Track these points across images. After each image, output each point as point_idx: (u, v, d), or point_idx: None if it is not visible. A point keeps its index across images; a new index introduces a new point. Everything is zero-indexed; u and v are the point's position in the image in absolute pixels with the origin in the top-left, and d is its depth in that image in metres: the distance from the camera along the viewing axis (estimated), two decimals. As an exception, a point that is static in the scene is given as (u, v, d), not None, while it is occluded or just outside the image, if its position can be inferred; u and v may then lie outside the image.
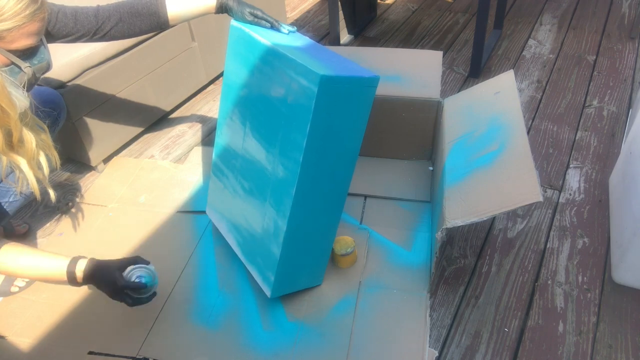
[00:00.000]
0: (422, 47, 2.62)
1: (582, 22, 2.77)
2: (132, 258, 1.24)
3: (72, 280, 1.16)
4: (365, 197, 1.71)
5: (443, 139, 1.56)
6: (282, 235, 1.24)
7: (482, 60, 2.33)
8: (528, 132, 1.98)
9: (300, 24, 2.93)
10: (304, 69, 1.12)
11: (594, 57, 2.46)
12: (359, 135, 1.25)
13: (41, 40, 1.12)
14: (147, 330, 1.34)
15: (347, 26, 2.74)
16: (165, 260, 1.50)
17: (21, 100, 1.07)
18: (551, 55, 2.49)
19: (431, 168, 1.80)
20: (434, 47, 2.62)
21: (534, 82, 2.30)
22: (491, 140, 1.40)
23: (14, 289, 1.45)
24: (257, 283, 1.38)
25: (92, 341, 1.32)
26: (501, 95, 1.53)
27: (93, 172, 1.91)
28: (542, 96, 2.21)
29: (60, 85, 1.67)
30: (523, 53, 2.52)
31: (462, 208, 1.26)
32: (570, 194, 1.71)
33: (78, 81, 1.72)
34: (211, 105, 2.25)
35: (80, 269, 1.17)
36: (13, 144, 1.06)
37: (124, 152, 2.01)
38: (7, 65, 1.06)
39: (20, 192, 1.19)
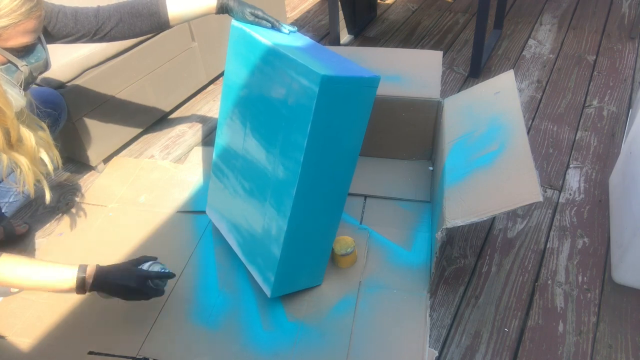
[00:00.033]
0: (422, 47, 2.62)
1: (582, 22, 2.77)
2: (139, 257, 1.28)
3: (80, 286, 1.15)
4: (365, 197, 1.71)
5: (443, 139, 1.56)
6: (283, 235, 1.24)
7: (482, 60, 2.33)
8: (528, 132, 1.98)
9: (300, 24, 2.93)
10: (305, 69, 1.12)
11: (594, 57, 2.46)
12: (359, 136, 1.25)
13: (39, 39, 1.12)
14: (147, 330, 1.34)
15: (347, 26, 2.74)
16: (165, 260, 1.49)
17: (17, 99, 1.06)
18: (551, 55, 2.49)
19: (431, 168, 1.80)
20: (434, 47, 2.62)
21: (534, 82, 2.30)
22: (491, 140, 1.40)
23: (14, 289, 1.45)
24: (257, 283, 1.38)
25: (92, 341, 1.32)
26: (501, 95, 1.53)
27: (93, 172, 1.91)
28: (542, 96, 2.21)
29: (60, 85, 1.67)
30: (523, 53, 2.52)
31: (462, 208, 1.26)
32: (570, 194, 1.71)
33: (78, 81, 1.72)
34: (211, 105, 2.25)
35: (90, 274, 1.16)
36: (12, 143, 1.06)
37: (124, 152, 2.01)
38: (3, 64, 1.06)
39: (22, 192, 1.19)
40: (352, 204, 1.66)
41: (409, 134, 1.78)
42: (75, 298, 1.42)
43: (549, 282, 1.43)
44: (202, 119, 2.17)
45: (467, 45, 2.61)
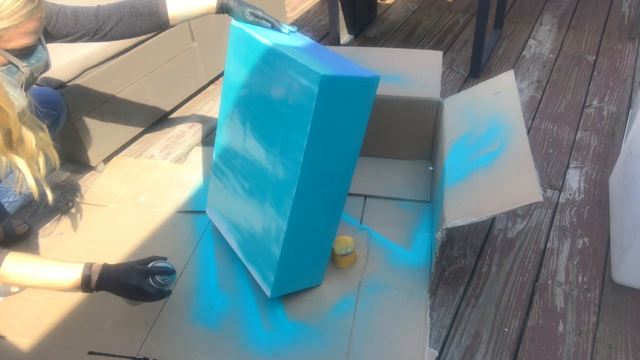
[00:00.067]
0: (422, 47, 2.62)
1: (582, 22, 2.77)
2: (149, 257, 1.28)
3: (86, 284, 1.14)
4: (365, 197, 1.71)
5: (443, 139, 1.56)
6: (283, 235, 1.24)
7: (482, 60, 2.33)
8: (528, 132, 1.98)
9: (300, 24, 2.93)
10: (305, 69, 1.12)
11: (594, 57, 2.46)
12: (359, 135, 1.25)
13: (39, 39, 1.12)
14: (147, 330, 1.34)
15: (347, 26, 2.74)
16: (166, 260, 1.50)
17: (19, 99, 1.06)
18: (551, 55, 2.49)
19: (431, 168, 1.80)
20: (434, 47, 2.62)
21: (534, 82, 2.30)
22: (491, 140, 1.40)
23: (14, 289, 1.45)
24: (257, 283, 1.38)
25: (92, 341, 1.32)
26: (501, 95, 1.53)
27: (93, 172, 1.91)
28: (542, 96, 2.21)
29: (60, 85, 1.67)
30: (523, 53, 2.52)
31: (462, 208, 1.26)
32: (570, 194, 1.71)
33: (78, 81, 1.72)
34: (211, 105, 2.25)
35: (96, 272, 1.15)
36: (13, 144, 1.06)
37: (124, 152, 2.01)
38: (4, 65, 1.06)
39: (20, 192, 1.19)
40: (352, 204, 1.66)
41: (409, 134, 1.78)
42: (75, 298, 1.42)
43: (549, 282, 1.43)
44: (202, 119, 2.17)
45: (467, 45, 2.61)
